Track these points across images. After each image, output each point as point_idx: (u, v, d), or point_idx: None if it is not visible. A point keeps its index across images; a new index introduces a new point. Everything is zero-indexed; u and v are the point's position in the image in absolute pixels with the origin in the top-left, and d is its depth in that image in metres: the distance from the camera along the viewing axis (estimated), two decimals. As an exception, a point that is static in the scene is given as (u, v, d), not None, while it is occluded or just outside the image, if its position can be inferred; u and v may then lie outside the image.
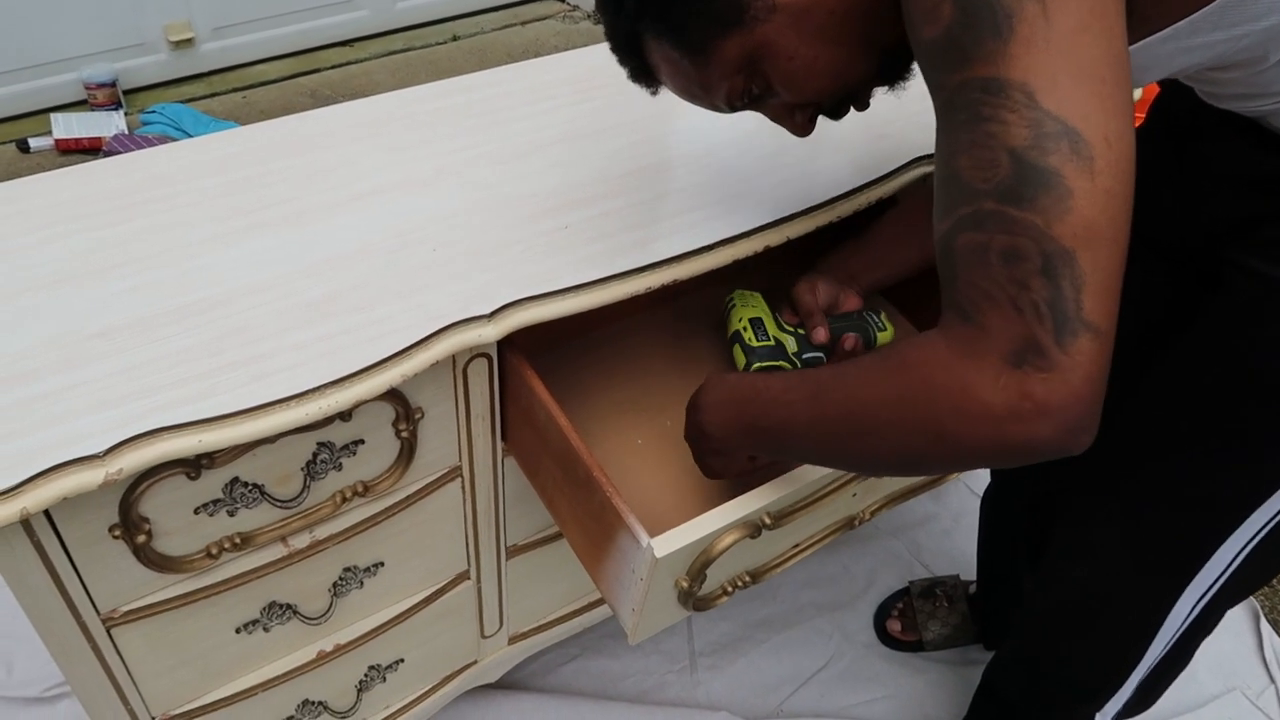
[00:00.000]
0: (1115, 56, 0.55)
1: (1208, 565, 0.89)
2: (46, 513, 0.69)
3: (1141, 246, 0.66)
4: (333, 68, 2.74)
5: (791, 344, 1.00)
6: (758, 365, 0.97)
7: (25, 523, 0.68)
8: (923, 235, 0.70)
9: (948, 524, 1.61)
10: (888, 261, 1.04)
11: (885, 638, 1.44)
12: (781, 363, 0.98)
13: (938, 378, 0.57)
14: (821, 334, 0.98)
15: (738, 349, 1.00)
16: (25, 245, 0.87)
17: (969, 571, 1.49)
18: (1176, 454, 0.87)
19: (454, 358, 0.84)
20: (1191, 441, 0.85)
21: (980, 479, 1.66)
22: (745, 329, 1.00)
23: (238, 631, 0.88)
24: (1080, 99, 0.53)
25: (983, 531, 1.33)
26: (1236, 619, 1.51)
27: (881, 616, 1.46)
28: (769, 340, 0.99)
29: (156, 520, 0.76)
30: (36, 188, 0.95)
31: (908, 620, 1.44)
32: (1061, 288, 0.53)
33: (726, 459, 0.82)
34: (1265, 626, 1.51)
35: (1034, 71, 0.53)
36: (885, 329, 1.03)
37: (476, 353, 0.85)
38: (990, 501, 1.30)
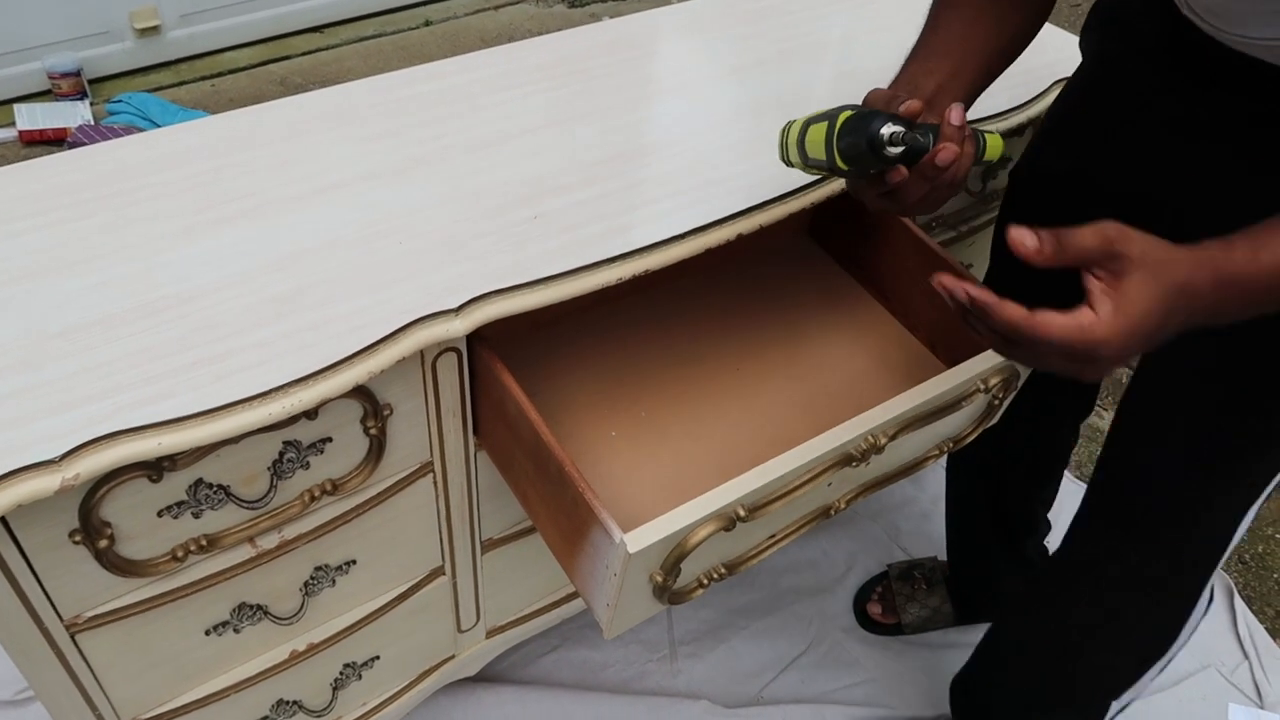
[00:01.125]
0: None
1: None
2: (3, 519, 0.68)
3: None
4: (303, 54, 2.70)
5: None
6: (846, 115, 0.74)
7: (-19, 530, 0.67)
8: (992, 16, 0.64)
9: (926, 506, 1.61)
10: (968, 67, 0.84)
11: (865, 621, 1.44)
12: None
13: None
14: (913, 109, 0.74)
15: (813, 129, 0.77)
16: (-18, 242, 0.85)
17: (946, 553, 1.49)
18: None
19: (422, 353, 0.83)
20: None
21: (959, 462, 1.66)
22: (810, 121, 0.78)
23: (208, 634, 0.87)
24: None
25: (949, 511, 1.34)
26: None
27: (861, 600, 1.46)
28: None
29: (119, 524, 0.74)
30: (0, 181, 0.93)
31: (887, 603, 1.44)
32: None
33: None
34: (1239, 603, 1.53)
35: None
36: (994, 135, 0.81)
37: (445, 347, 0.84)
38: (951, 479, 1.31)
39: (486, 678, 1.29)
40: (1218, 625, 1.49)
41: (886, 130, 0.71)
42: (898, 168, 0.74)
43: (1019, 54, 0.92)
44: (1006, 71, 1.18)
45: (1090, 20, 0.97)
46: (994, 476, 1.22)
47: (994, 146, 0.81)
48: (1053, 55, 1.25)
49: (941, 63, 0.83)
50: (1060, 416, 1.19)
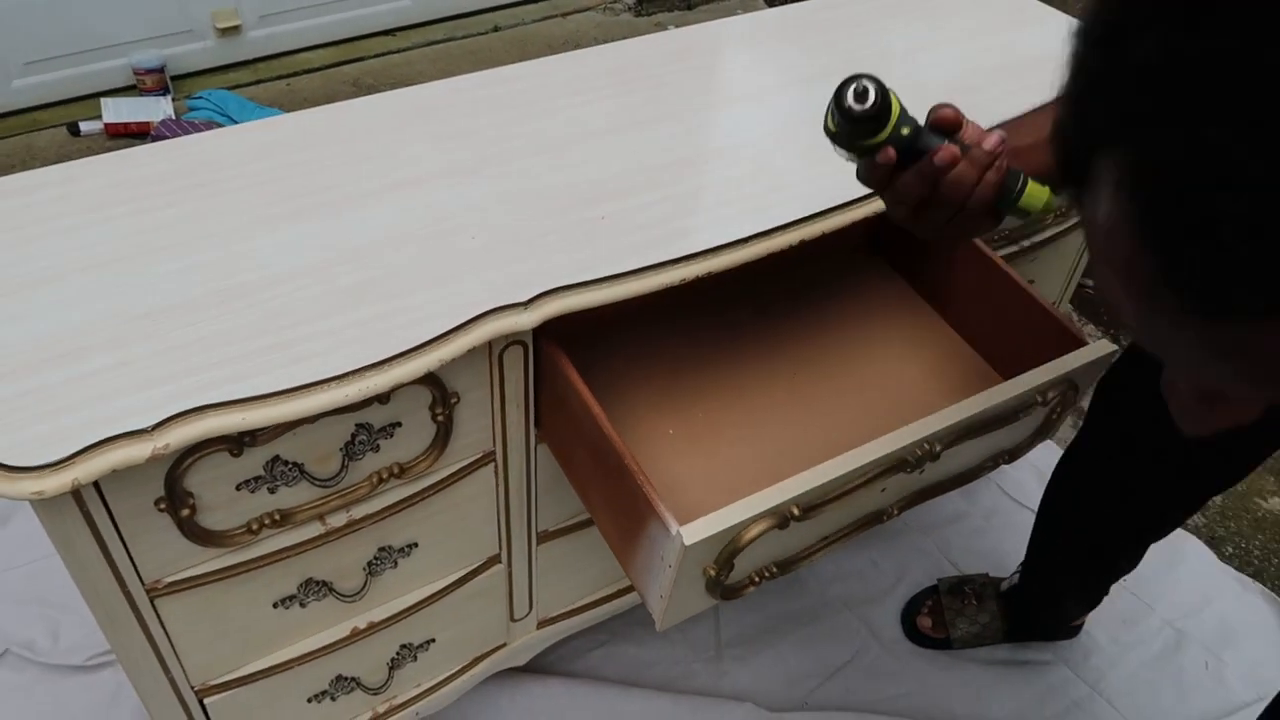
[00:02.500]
0: None
1: None
2: (96, 485, 0.72)
3: None
4: (375, 56, 2.77)
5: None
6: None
7: (76, 494, 0.71)
8: None
9: (978, 522, 1.60)
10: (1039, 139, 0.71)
11: (913, 634, 1.44)
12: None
13: None
14: (944, 115, 0.70)
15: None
16: (77, 225, 0.89)
17: (998, 570, 1.48)
18: None
19: (490, 344, 0.85)
20: None
21: (1012, 480, 1.65)
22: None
23: (275, 606, 0.91)
24: None
25: (1041, 534, 1.31)
26: (1268, 626, 1.49)
27: (910, 613, 1.45)
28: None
29: (200, 495, 0.78)
30: (88, 170, 0.98)
31: (936, 617, 1.44)
32: None
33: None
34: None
35: None
36: (1041, 185, 0.72)
37: (512, 340, 0.87)
38: (1056, 505, 1.27)
39: (534, 669, 1.31)
40: (1274, 656, 1.46)
41: (852, 87, 0.67)
42: (885, 149, 0.69)
43: None
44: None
45: None
46: (1109, 515, 1.18)
47: (1035, 195, 0.72)
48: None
49: (1033, 128, 0.75)
50: (1203, 483, 1.13)
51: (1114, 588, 1.42)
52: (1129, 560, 1.27)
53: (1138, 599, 1.51)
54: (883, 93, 0.68)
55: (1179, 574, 1.55)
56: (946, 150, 0.68)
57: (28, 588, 1.39)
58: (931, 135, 0.70)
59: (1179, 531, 1.61)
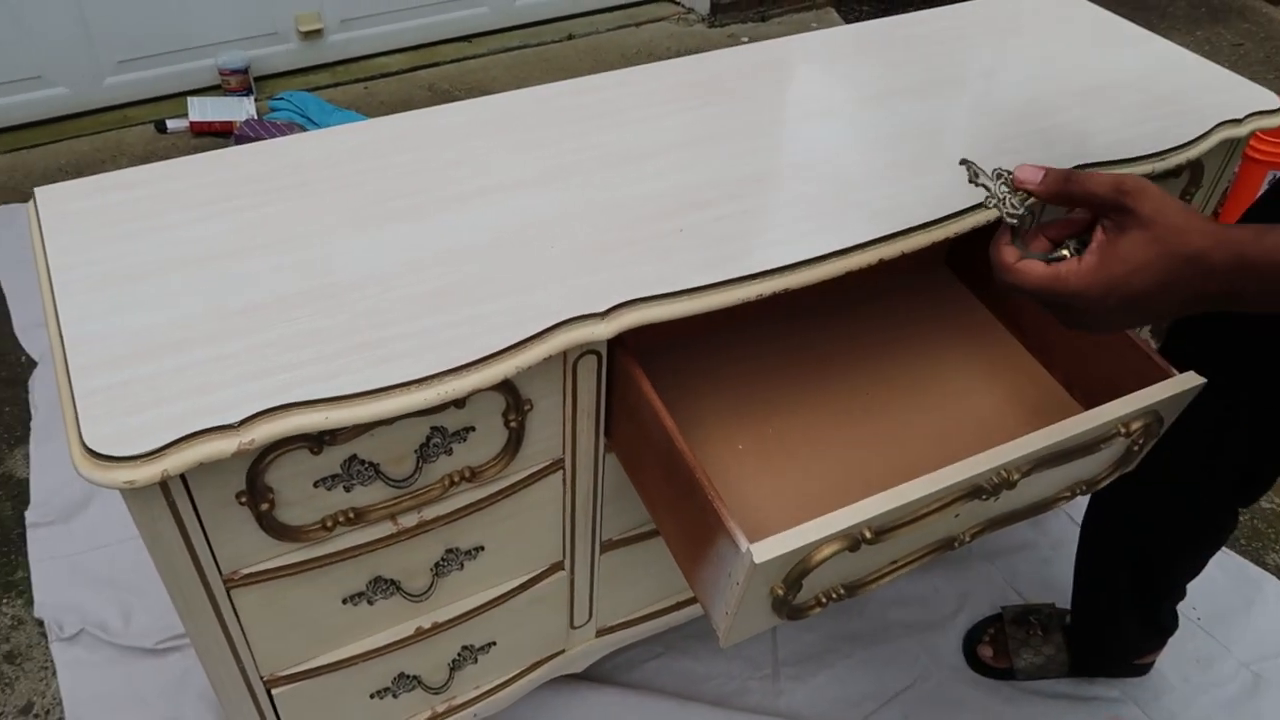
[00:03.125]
0: None
1: None
2: (183, 476, 0.74)
3: None
4: (451, 62, 2.81)
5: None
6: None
7: (163, 484, 0.73)
8: None
9: (1046, 552, 1.56)
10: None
11: (975, 662, 1.41)
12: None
13: None
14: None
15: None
16: (176, 223, 0.92)
17: (1064, 600, 1.45)
18: None
19: (565, 353, 0.86)
20: None
21: (1083, 508, 1.60)
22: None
23: (344, 602, 0.92)
24: None
25: (1081, 561, 1.29)
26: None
27: (972, 641, 1.43)
28: None
29: (279, 490, 0.80)
30: (185, 169, 1.01)
31: (999, 646, 1.41)
32: None
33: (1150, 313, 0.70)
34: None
35: None
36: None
37: (587, 349, 0.87)
38: (1089, 529, 1.26)
39: (591, 677, 1.32)
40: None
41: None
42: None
43: None
44: (1166, 109, 1.15)
45: None
46: (1145, 536, 1.17)
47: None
48: (1217, 96, 1.21)
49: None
50: (1230, 492, 1.12)
51: (1187, 625, 1.38)
52: (1174, 587, 1.23)
53: (1213, 639, 1.46)
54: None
55: (1257, 614, 1.50)
56: (1006, 251, 0.76)
57: (104, 569, 1.44)
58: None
59: (1257, 570, 1.55)
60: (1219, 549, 1.21)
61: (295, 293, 0.84)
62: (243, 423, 0.72)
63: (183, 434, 0.70)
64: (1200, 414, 1.00)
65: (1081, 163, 1.07)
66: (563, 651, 1.19)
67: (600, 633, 1.21)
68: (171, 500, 0.75)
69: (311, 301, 0.83)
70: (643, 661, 1.37)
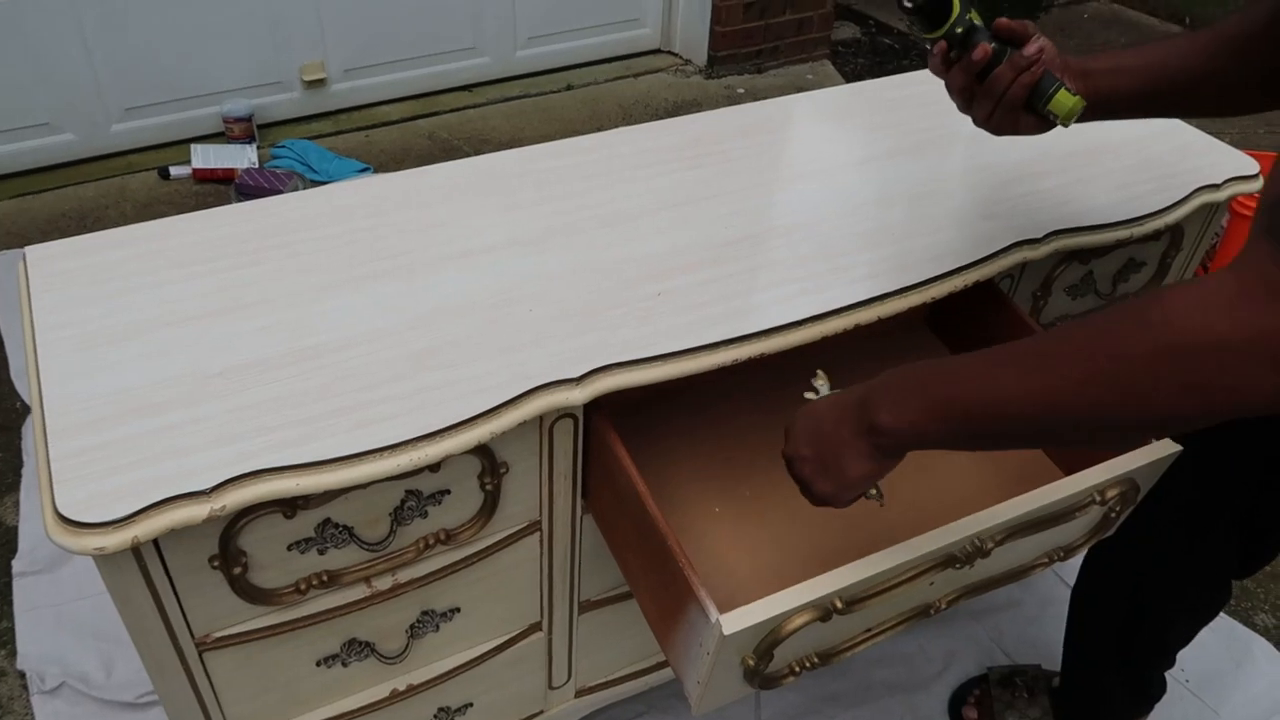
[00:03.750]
0: None
1: None
2: (155, 541, 0.74)
3: None
4: (451, 111, 2.85)
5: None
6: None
7: (135, 549, 0.73)
8: (1179, 60, 0.68)
9: (1033, 611, 1.55)
10: (1116, 65, 0.92)
11: (960, 725, 1.39)
12: (974, 14, 0.89)
13: (1220, 330, 0.54)
14: (1007, 25, 0.88)
15: None
16: (161, 282, 0.94)
17: (1052, 662, 1.43)
18: None
19: (541, 417, 0.86)
20: None
21: (1071, 568, 1.60)
22: None
23: (318, 664, 0.92)
24: None
25: (1071, 628, 1.28)
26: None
27: (957, 703, 1.41)
28: None
29: (253, 554, 0.80)
30: (175, 228, 1.03)
31: (984, 708, 1.39)
32: None
33: (859, 470, 0.77)
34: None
35: None
36: (1072, 94, 0.87)
37: (563, 413, 0.88)
38: (1082, 597, 1.25)
39: (571, 735, 1.30)
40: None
41: None
42: (940, 43, 0.87)
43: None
44: (1148, 174, 1.16)
45: None
46: (1138, 606, 1.15)
47: (1062, 101, 0.87)
48: (1198, 161, 1.23)
49: (1114, 59, 0.92)
50: (1226, 565, 1.11)
51: (1175, 688, 1.37)
52: (1165, 654, 1.22)
53: (1202, 703, 1.44)
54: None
55: (1247, 678, 1.48)
56: (981, 49, 0.86)
57: (88, 620, 1.43)
58: (987, 38, 0.87)
59: (1246, 631, 1.54)
60: (1212, 620, 1.20)
61: (275, 355, 0.85)
62: (214, 489, 0.72)
63: (154, 500, 0.71)
64: (1196, 486, 1.00)
65: (1061, 228, 1.09)
66: (541, 712, 1.19)
67: (580, 693, 1.20)
68: (143, 564, 0.75)
69: (290, 364, 0.84)
70: (624, 721, 1.36)
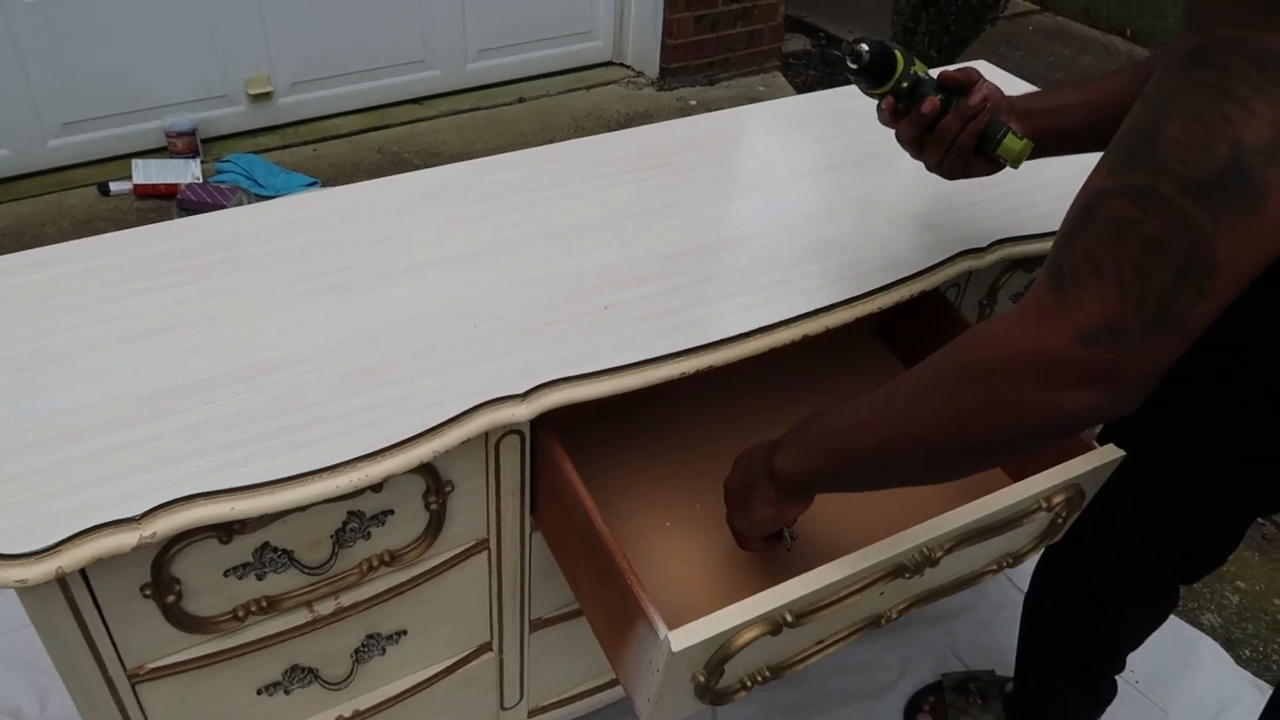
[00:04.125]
0: None
1: None
2: (82, 571, 0.71)
3: None
4: (401, 124, 2.83)
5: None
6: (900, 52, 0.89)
7: (61, 580, 0.70)
8: (1120, 94, 0.71)
9: (986, 616, 1.57)
10: (1058, 104, 0.94)
11: (916, 732, 1.40)
12: (919, 65, 0.90)
13: (1003, 350, 0.59)
14: (952, 75, 0.90)
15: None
16: (98, 300, 0.91)
17: (1005, 667, 1.44)
18: None
19: (486, 434, 0.85)
20: None
21: (1023, 573, 1.61)
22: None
23: (259, 693, 0.89)
24: None
25: (1024, 635, 1.29)
26: None
27: (912, 710, 1.42)
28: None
29: (187, 581, 0.77)
30: (113, 244, 1.00)
31: (939, 715, 1.40)
32: (1182, 292, 0.51)
33: (763, 511, 0.84)
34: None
35: None
36: (1019, 139, 0.90)
37: (509, 430, 0.86)
38: (1035, 604, 1.25)
39: (526, 756, 1.28)
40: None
41: (852, 47, 0.87)
42: (887, 98, 0.89)
43: None
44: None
45: None
46: (1090, 613, 1.17)
47: (1010, 146, 0.89)
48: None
49: (1056, 97, 0.94)
50: (1175, 570, 1.12)
51: (1125, 688, 1.38)
52: (1117, 659, 1.24)
53: (1151, 703, 1.46)
54: (883, 53, 0.87)
55: (1194, 677, 1.50)
56: (929, 102, 0.88)
57: (22, 653, 1.38)
58: (934, 89, 0.89)
59: (1193, 631, 1.57)
60: (1161, 624, 1.21)
61: (213, 375, 0.83)
62: (144, 515, 0.70)
63: (80, 529, 0.68)
64: (1149, 492, 1.01)
65: (1005, 236, 1.10)
66: (494, 733, 1.17)
67: (533, 713, 1.18)
68: (70, 596, 0.72)
69: (229, 384, 0.82)
70: (580, 739, 1.34)
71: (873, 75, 0.88)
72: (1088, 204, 0.56)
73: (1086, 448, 0.98)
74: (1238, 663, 1.54)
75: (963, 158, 0.91)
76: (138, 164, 2.44)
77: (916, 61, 0.90)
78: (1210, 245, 0.50)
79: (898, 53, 0.89)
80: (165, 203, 2.39)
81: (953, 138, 0.89)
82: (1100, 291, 0.53)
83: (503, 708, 1.13)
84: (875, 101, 0.92)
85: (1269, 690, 1.50)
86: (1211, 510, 1.03)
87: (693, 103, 3.09)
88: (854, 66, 0.88)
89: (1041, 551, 1.08)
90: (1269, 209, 0.48)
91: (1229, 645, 1.57)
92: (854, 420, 0.74)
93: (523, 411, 0.84)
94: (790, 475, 0.80)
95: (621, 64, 3.23)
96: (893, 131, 0.94)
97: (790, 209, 1.13)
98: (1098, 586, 1.13)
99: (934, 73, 0.92)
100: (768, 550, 0.91)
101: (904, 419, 0.68)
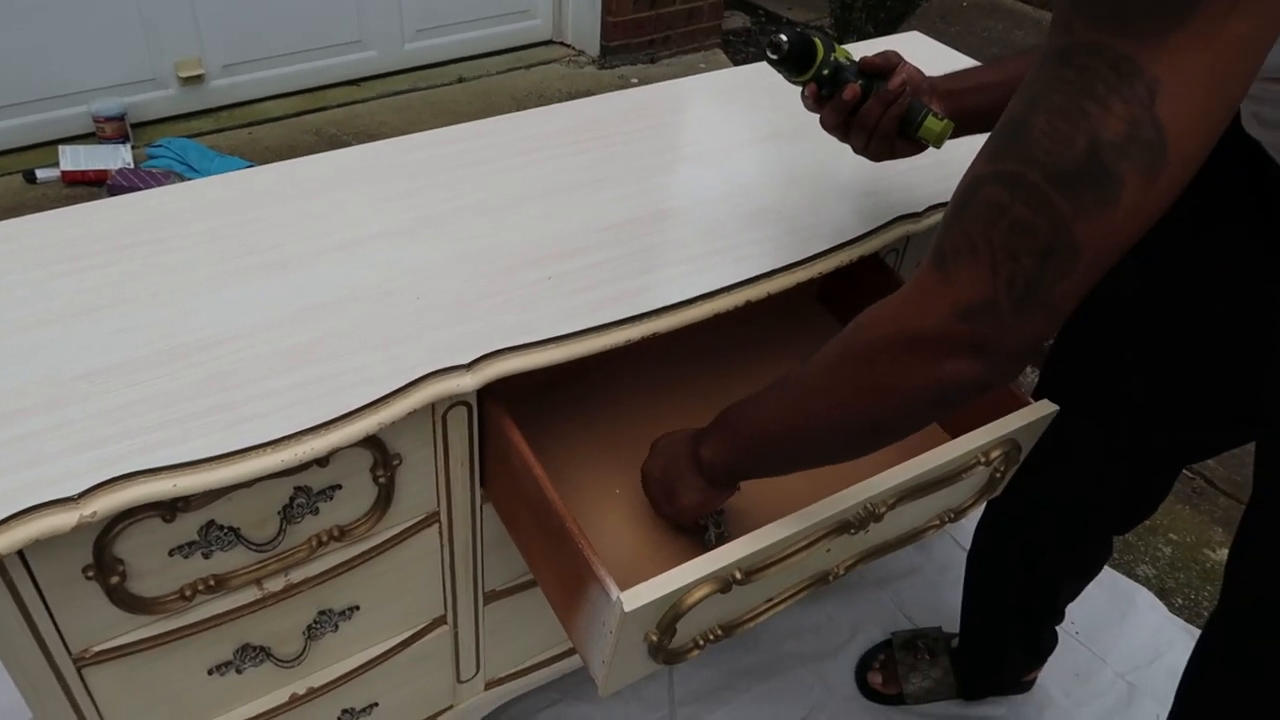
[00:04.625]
0: (1251, 71, 0.51)
1: None
2: (20, 552, 0.70)
3: None
4: (339, 106, 2.78)
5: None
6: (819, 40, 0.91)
7: (-2, 562, 0.69)
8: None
9: (933, 576, 1.60)
10: (979, 83, 0.95)
11: (866, 690, 1.43)
12: (840, 51, 0.92)
13: (887, 328, 0.63)
14: (872, 61, 0.91)
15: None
16: (20, 283, 0.89)
17: (952, 624, 1.49)
18: None
19: (433, 406, 0.85)
20: None
21: (966, 533, 1.66)
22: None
23: (210, 673, 0.89)
24: (1193, 115, 0.50)
25: (968, 590, 1.33)
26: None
27: (863, 668, 1.45)
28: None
29: (131, 562, 0.76)
30: (37, 225, 0.97)
31: (889, 672, 1.43)
32: (1047, 273, 0.54)
33: (690, 499, 0.88)
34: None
35: (1177, 71, 0.49)
36: (940, 119, 0.91)
37: (456, 401, 0.86)
38: (977, 560, 1.29)
39: (484, 730, 1.29)
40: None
41: (770, 39, 0.89)
42: (810, 85, 0.91)
43: None
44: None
45: None
46: (1030, 566, 1.20)
47: (931, 128, 0.91)
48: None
49: (977, 76, 0.96)
50: (1111, 521, 1.16)
51: (1066, 639, 1.43)
52: (1055, 610, 1.28)
53: (1090, 652, 1.51)
54: (802, 43, 0.89)
55: (1130, 626, 1.56)
56: (850, 89, 0.90)
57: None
58: (854, 75, 0.91)
59: (1129, 583, 1.62)
60: (1097, 574, 1.26)
61: (140, 356, 0.81)
62: (83, 494, 0.69)
63: (15, 510, 0.67)
64: (1081, 445, 1.05)
65: (940, 201, 1.12)
66: (451, 707, 1.17)
67: (490, 685, 1.19)
68: (9, 579, 0.71)
69: (158, 364, 0.80)
70: (538, 710, 1.35)
71: (793, 64, 0.90)
72: (968, 188, 0.58)
73: (1021, 403, 1.01)
74: (1171, 611, 1.60)
75: (887, 140, 0.93)
76: (65, 150, 2.37)
77: (838, 48, 0.92)
78: (1071, 231, 0.53)
79: (817, 41, 0.90)
80: (95, 189, 2.32)
81: (875, 122, 0.91)
82: (976, 271, 0.56)
83: (459, 680, 1.14)
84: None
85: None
86: (1139, 462, 1.07)
87: (634, 81, 3.08)
88: (774, 57, 0.90)
89: (983, 507, 1.11)
90: (1123, 199, 0.52)
91: (1163, 595, 1.63)
92: (766, 407, 0.77)
93: (468, 382, 0.84)
94: (714, 465, 0.84)
95: (562, 43, 3.21)
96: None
97: (729, 179, 1.14)
98: (1033, 538, 1.17)
99: (856, 58, 0.93)
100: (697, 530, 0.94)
101: (803, 404, 0.73)
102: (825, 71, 0.90)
